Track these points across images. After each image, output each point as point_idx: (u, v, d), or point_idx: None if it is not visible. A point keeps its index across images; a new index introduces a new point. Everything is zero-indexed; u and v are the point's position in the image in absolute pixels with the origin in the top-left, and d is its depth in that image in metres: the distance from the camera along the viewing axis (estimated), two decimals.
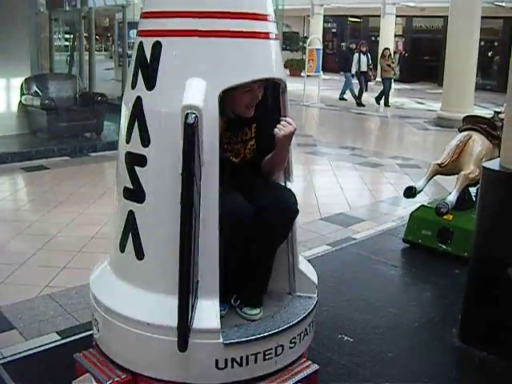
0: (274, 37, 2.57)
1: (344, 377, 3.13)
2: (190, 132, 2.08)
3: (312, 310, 2.73)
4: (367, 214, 6.39)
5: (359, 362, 3.26)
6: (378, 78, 18.83)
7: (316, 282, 2.86)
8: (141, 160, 2.45)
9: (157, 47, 2.41)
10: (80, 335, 3.36)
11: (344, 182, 7.91)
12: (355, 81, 17.54)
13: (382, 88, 17.08)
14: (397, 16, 25.96)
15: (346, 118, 15.03)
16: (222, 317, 2.47)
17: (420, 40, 28.30)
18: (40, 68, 11.94)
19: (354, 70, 17.28)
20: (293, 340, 2.59)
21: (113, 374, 2.48)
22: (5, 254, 4.90)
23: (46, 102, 9.46)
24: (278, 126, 2.58)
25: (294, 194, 2.71)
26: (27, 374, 3.09)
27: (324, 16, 29.02)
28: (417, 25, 29.07)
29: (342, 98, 18.16)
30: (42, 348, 3.29)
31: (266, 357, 2.49)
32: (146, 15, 2.53)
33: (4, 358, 3.20)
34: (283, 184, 2.85)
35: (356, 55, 17.29)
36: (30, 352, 3.24)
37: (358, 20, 31.53)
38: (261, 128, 2.77)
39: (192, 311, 2.28)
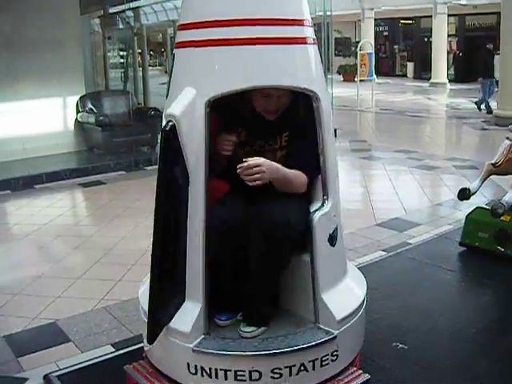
0: (297, 41, 2.44)
1: None
2: (164, 138, 2.23)
3: (314, 345, 2.41)
4: (423, 218, 6.24)
5: (414, 370, 3.14)
6: None
7: (338, 318, 2.49)
8: None
9: (173, 59, 2.55)
10: (133, 347, 3.38)
11: (399, 186, 7.79)
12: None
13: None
14: (449, 15, 25.42)
15: (401, 121, 14.79)
16: (222, 326, 2.54)
17: (474, 38, 27.55)
18: (95, 85, 12.25)
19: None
20: (276, 370, 2.36)
21: None
22: (63, 268, 5.03)
23: (101, 118, 9.70)
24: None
25: (288, 212, 2.42)
26: None
27: (375, 20, 28.79)
28: (470, 23, 28.34)
29: (480, 109, 15.18)
30: (96, 360, 3.33)
31: (238, 377, 2.35)
32: None
33: (60, 369, 3.25)
34: (320, 200, 2.59)
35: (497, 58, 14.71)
36: (85, 364, 3.28)
37: (410, 22, 31.07)
38: (291, 139, 2.63)
39: (168, 309, 2.36)
